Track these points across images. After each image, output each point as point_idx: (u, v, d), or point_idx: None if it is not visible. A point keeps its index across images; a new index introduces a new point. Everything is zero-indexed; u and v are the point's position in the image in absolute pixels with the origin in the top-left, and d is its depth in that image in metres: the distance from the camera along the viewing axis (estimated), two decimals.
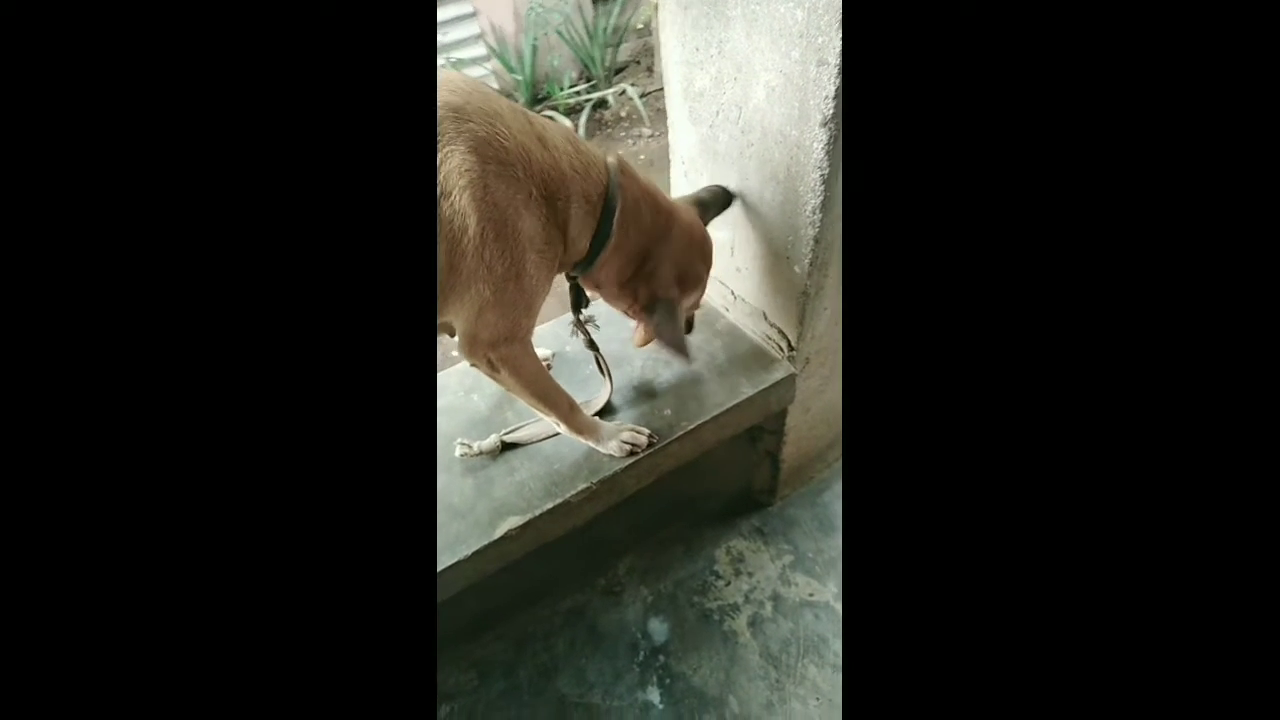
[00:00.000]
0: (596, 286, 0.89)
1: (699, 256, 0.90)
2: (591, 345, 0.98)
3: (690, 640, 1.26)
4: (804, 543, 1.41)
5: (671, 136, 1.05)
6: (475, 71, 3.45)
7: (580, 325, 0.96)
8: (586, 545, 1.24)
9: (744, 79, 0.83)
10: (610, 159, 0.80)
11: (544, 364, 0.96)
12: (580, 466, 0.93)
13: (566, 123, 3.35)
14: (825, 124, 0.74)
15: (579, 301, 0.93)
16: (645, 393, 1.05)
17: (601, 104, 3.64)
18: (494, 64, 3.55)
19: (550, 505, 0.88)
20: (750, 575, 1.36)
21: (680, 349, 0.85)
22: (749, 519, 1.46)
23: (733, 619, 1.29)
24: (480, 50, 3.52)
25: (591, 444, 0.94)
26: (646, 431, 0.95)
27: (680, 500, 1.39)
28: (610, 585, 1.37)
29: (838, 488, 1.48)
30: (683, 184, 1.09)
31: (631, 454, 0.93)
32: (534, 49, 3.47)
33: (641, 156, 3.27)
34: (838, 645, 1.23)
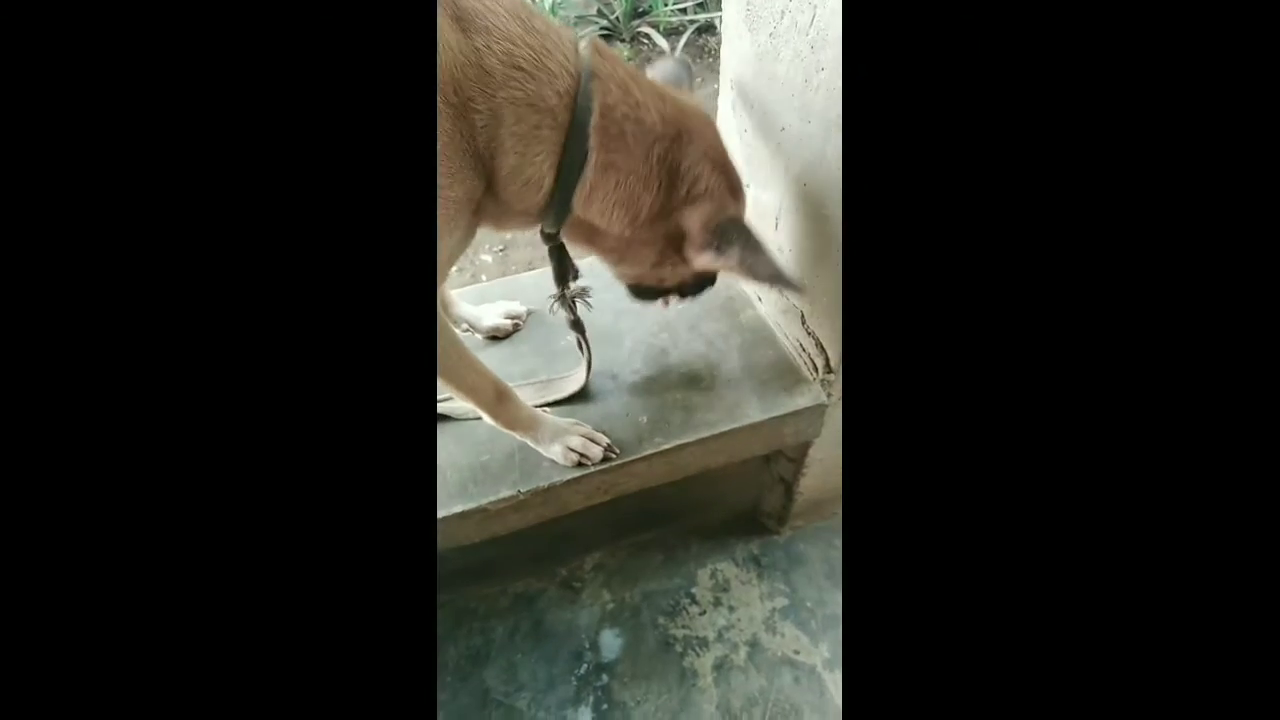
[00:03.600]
0: (590, 240, 0.61)
1: (726, 155, 0.61)
2: (576, 325, 0.75)
3: (642, 666, 1.09)
4: (805, 588, 1.17)
5: (724, 48, 0.76)
6: None
7: (566, 302, 0.71)
8: (553, 532, 1.08)
9: None
10: (582, 42, 0.53)
11: (465, 332, 0.74)
12: (511, 464, 0.73)
13: (663, 44, 2.98)
14: None
15: (564, 273, 0.68)
16: (625, 385, 0.82)
17: (708, 28, 3.20)
18: None
19: (461, 508, 0.70)
20: (732, 610, 1.16)
21: (785, 279, 0.57)
22: (748, 543, 1.24)
23: (697, 655, 1.11)
24: None
25: (529, 442, 0.74)
26: (604, 441, 0.73)
27: (671, 503, 1.18)
28: (571, 579, 1.22)
29: None
30: (730, 119, 0.80)
31: (579, 464, 0.72)
32: None
33: None
34: None
